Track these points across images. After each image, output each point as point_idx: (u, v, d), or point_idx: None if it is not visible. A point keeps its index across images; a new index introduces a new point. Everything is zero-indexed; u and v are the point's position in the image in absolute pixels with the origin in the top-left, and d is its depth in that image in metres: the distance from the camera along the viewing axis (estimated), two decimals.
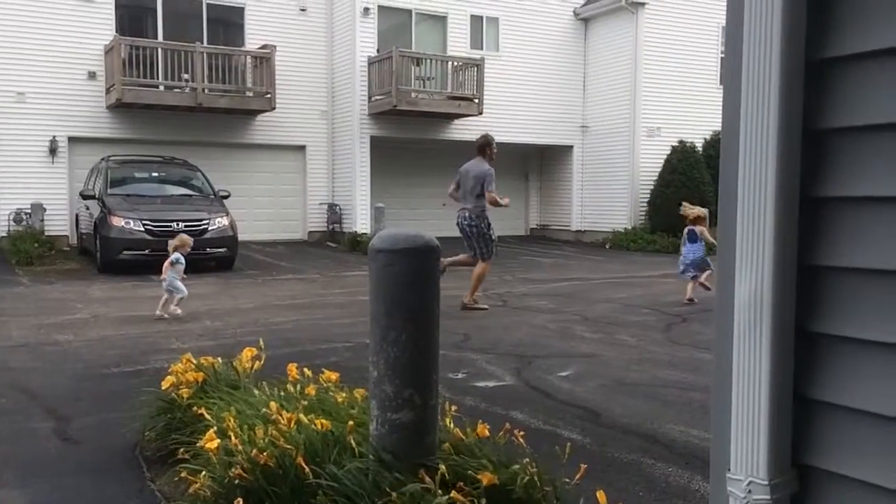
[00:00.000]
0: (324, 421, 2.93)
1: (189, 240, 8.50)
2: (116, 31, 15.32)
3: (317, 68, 17.58)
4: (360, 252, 14.81)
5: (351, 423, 2.89)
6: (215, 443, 2.91)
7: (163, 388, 3.82)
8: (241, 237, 13.49)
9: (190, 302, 8.23)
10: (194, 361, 3.98)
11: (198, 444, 3.10)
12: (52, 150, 15.14)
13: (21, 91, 14.81)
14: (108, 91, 15.29)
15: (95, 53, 15.38)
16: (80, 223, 14.38)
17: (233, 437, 2.92)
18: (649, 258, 15.40)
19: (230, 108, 16.06)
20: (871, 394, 1.32)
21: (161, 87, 15.45)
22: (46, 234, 14.40)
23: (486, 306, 8.66)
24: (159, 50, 15.34)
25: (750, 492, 1.40)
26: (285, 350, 5.99)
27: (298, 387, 3.48)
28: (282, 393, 3.47)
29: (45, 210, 14.72)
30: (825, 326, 1.39)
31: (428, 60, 17.04)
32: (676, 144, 17.55)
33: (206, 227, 12.31)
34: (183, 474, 2.98)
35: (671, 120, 18.07)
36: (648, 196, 18.01)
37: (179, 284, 8.01)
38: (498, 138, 8.91)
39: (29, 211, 14.56)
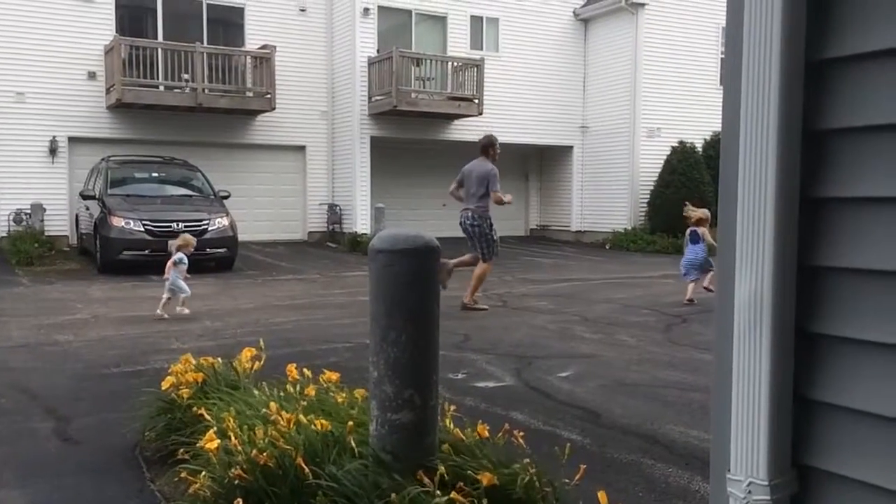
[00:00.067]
0: (323, 421, 2.93)
1: (192, 240, 8.50)
2: (116, 32, 15.33)
3: (317, 68, 17.59)
4: (360, 252, 14.81)
5: (351, 423, 2.89)
6: (215, 443, 2.91)
7: (163, 388, 3.82)
8: (241, 237, 13.49)
9: (190, 302, 8.22)
10: (194, 362, 3.98)
11: (198, 445, 3.10)
12: (52, 151, 15.14)
13: (21, 91, 14.81)
14: (108, 91, 15.29)
15: (95, 53, 15.38)
16: (80, 223, 14.38)
17: (233, 438, 2.92)
18: (649, 259, 15.41)
19: (230, 109, 16.06)
20: (871, 394, 1.32)
21: (161, 88, 15.45)
22: (46, 234, 14.40)
23: (486, 307, 8.66)
24: (159, 50, 15.34)
25: (750, 492, 1.40)
26: (285, 350, 5.99)
27: (298, 387, 3.48)
28: (282, 393, 3.47)
29: (45, 210, 14.71)
30: (825, 327, 1.39)
31: (428, 61, 17.04)
32: (676, 145, 17.56)
33: (206, 227, 12.31)
34: (183, 474, 2.98)
35: (671, 120, 18.08)
36: (648, 196, 18.01)
37: (182, 284, 8.02)
38: (498, 139, 8.91)
39: (29, 211, 14.56)
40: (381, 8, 16.89)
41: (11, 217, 14.54)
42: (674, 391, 5.07)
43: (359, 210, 16.92)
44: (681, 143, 17.54)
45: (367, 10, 16.66)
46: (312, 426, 2.90)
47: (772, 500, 1.39)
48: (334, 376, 3.60)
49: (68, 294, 9.88)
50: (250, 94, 16.25)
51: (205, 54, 15.42)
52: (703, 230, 9.16)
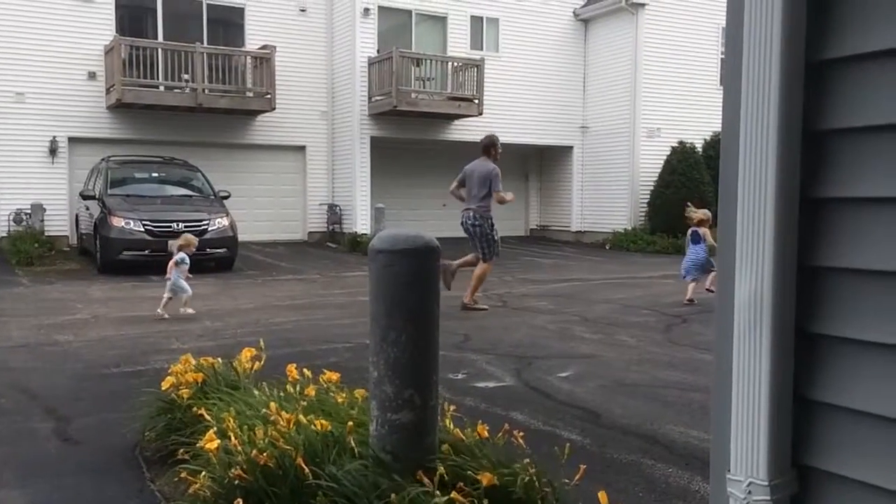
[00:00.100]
0: (323, 421, 2.93)
1: (194, 240, 8.52)
2: (116, 32, 15.33)
3: (317, 69, 17.59)
4: (360, 252, 14.81)
5: (351, 423, 2.89)
6: (215, 443, 2.91)
7: (163, 388, 3.82)
8: (241, 237, 13.49)
9: (191, 302, 8.22)
10: (194, 362, 3.98)
11: (198, 445, 3.10)
12: (52, 151, 15.14)
13: (21, 91, 14.81)
14: (108, 91, 15.29)
15: (95, 53, 15.38)
16: (80, 223, 14.38)
17: (232, 438, 2.92)
18: (649, 259, 15.41)
19: (230, 109, 16.06)
20: (871, 395, 1.32)
21: (161, 88, 15.45)
22: (46, 234, 14.40)
23: (486, 307, 8.66)
24: (159, 50, 15.34)
25: (750, 492, 1.40)
26: (285, 350, 5.99)
27: (298, 387, 3.48)
28: (282, 393, 3.47)
29: (45, 210, 14.71)
30: (825, 327, 1.39)
31: (428, 61, 17.04)
32: (676, 145, 17.56)
33: (206, 227, 12.31)
34: (183, 475, 2.98)
35: (671, 120, 18.08)
36: (648, 197, 18.01)
37: (184, 284, 8.03)
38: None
39: (29, 211, 14.56)
40: (381, 8, 16.89)
41: (11, 217, 14.55)
42: (674, 391, 5.07)
43: (359, 210, 16.93)
44: (681, 143, 17.53)
45: (367, 10, 16.66)
46: (312, 426, 2.90)
47: (772, 501, 1.39)
48: (334, 376, 3.60)
49: (68, 294, 9.88)
50: (250, 95, 16.25)
51: (205, 54, 15.42)
52: (704, 230, 9.18)
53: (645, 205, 18.19)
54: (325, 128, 17.91)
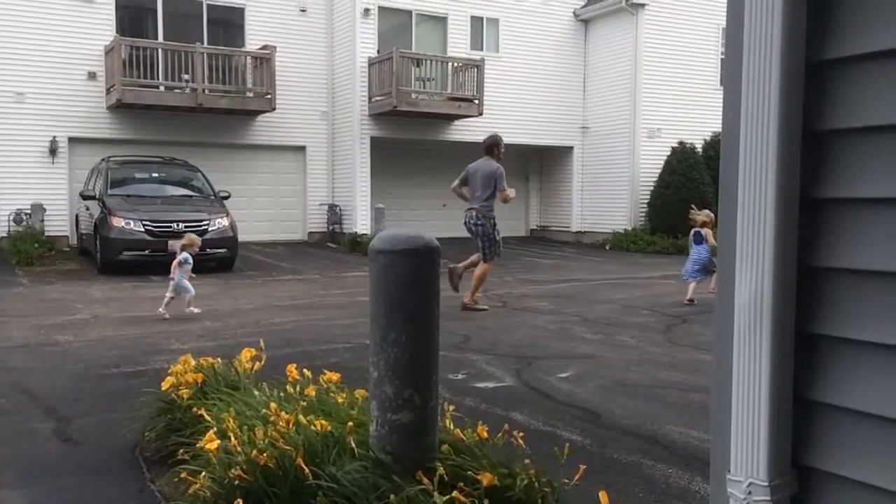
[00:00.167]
0: (323, 422, 2.93)
1: (197, 240, 8.54)
2: (117, 32, 15.33)
3: (317, 69, 17.59)
4: (361, 253, 14.81)
5: (351, 423, 2.89)
6: (215, 444, 2.91)
7: (163, 388, 3.82)
8: (241, 238, 13.49)
9: (193, 302, 8.22)
10: (194, 362, 3.98)
11: (198, 445, 3.10)
12: (52, 151, 15.14)
13: (21, 91, 14.81)
14: (108, 91, 15.29)
15: (95, 54, 15.38)
16: (80, 223, 14.38)
17: (232, 438, 2.92)
18: (649, 259, 15.41)
19: (230, 109, 16.06)
20: (871, 395, 1.32)
21: (161, 88, 15.45)
22: (46, 234, 14.40)
23: (486, 307, 8.66)
24: (159, 50, 15.35)
25: (750, 493, 1.40)
26: (285, 351, 5.99)
27: (298, 388, 3.48)
28: (282, 394, 3.47)
29: (45, 210, 14.71)
30: (825, 328, 1.39)
31: (428, 61, 17.04)
32: (676, 145, 17.55)
33: (206, 227, 12.30)
34: (183, 475, 2.98)
35: (671, 121, 18.08)
36: (648, 197, 18.00)
37: (187, 284, 8.04)
38: None
39: (29, 211, 14.56)
40: (381, 8, 16.89)
41: (11, 217, 14.54)
42: (674, 392, 5.07)
43: (359, 210, 16.92)
44: (681, 143, 17.53)
45: (367, 10, 16.66)
46: (312, 427, 2.90)
47: (772, 501, 1.39)
48: (334, 377, 3.60)
49: (68, 294, 9.88)
50: (250, 95, 16.25)
51: (205, 55, 15.42)
52: (706, 231, 9.21)
53: (645, 205, 18.19)
54: (325, 128, 17.91)
